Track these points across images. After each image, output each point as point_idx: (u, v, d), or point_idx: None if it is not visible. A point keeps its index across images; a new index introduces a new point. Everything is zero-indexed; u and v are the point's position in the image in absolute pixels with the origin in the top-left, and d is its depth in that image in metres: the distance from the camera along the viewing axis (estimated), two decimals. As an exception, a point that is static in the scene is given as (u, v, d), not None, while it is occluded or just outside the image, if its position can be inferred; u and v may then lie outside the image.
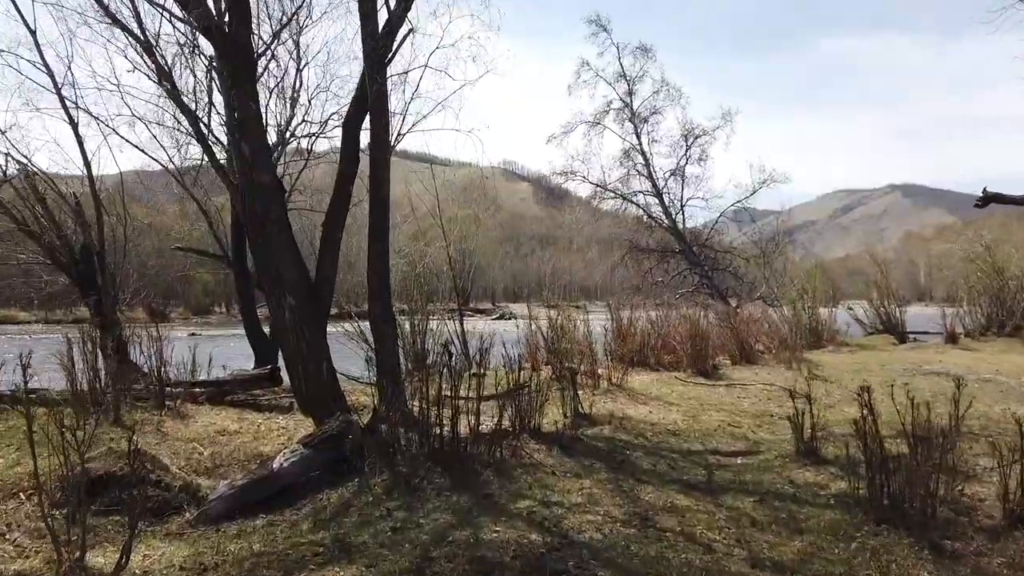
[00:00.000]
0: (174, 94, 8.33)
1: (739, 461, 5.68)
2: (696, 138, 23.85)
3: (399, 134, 7.62)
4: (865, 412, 4.14)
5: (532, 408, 6.06)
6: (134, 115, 9.59)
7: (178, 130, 9.99)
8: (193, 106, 8.97)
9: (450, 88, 11.46)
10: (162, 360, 7.48)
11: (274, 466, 5.17)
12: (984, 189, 9.37)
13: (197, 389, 7.80)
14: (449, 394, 5.28)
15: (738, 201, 23.13)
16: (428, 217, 15.43)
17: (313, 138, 12.29)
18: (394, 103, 7.63)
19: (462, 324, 13.86)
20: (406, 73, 7.58)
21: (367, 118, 7.04)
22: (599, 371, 8.68)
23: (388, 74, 7.16)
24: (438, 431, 5.09)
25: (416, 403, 5.94)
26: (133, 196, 16.35)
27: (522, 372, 6.41)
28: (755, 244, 23.45)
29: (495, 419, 5.87)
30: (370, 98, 6.81)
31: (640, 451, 5.79)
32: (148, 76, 8.61)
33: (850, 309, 19.70)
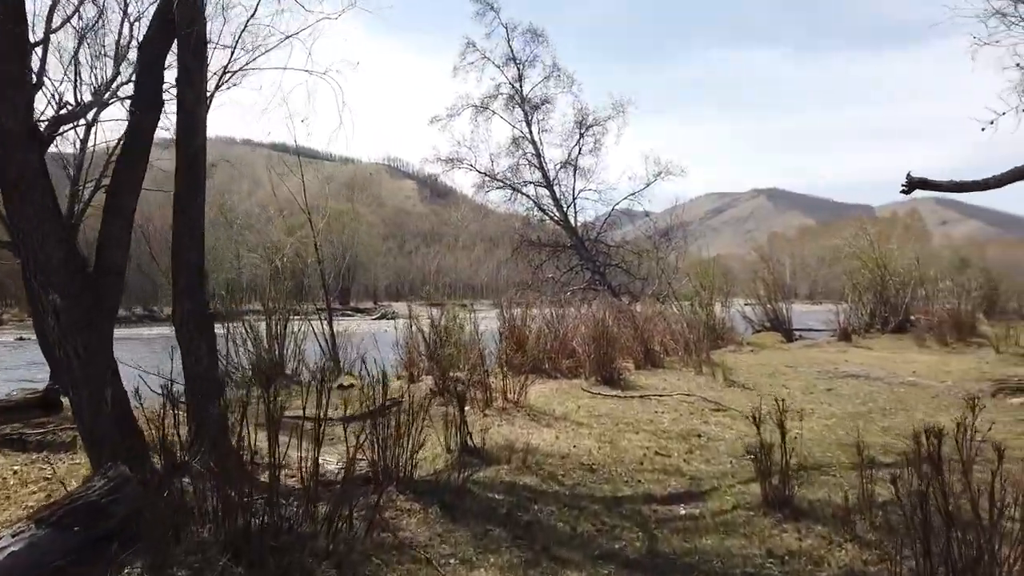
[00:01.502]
0: None
1: (683, 512, 4.21)
2: (589, 127, 22.77)
3: (225, 70, 5.67)
4: (926, 467, 2.70)
5: (405, 444, 4.32)
6: None
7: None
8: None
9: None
10: None
11: (-32, 567, 3.15)
12: (908, 174, 8.52)
13: (-76, 423, 5.48)
14: (264, 421, 3.43)
15: (632, 194, 22.22)
16: (303, 213, 13.63)
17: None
18: (224, 35, 5.73)
19: (331, 324, 11.99)
20: (235, -8, 5.63)
21: (174, 45, 5.06)
22: (491, 383, 7.04)
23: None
24: (246, 496, 3.22)
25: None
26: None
27: (398, 382, 4.70)
28: (648, 239, 22.67)
29: (339, 463, 4.12)
30: (176, 12, 4.83)
31: (552, 503, 4.18)
32: None
33: (728, 306, 19.00)
